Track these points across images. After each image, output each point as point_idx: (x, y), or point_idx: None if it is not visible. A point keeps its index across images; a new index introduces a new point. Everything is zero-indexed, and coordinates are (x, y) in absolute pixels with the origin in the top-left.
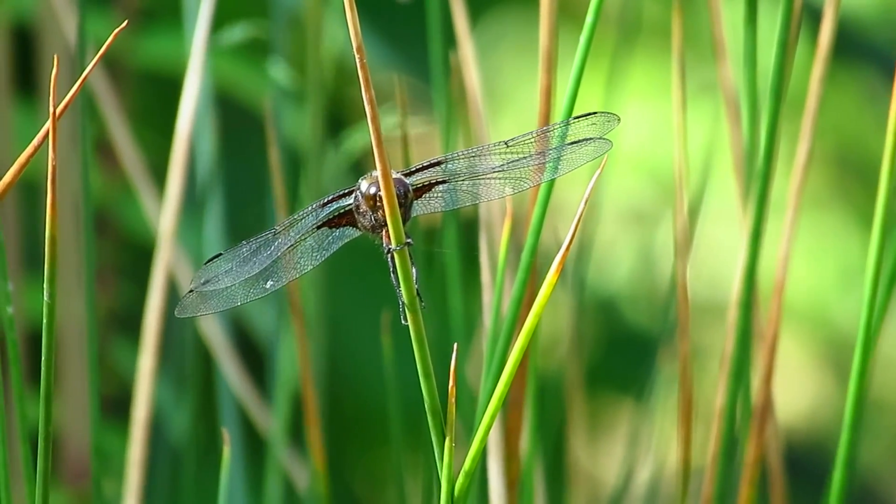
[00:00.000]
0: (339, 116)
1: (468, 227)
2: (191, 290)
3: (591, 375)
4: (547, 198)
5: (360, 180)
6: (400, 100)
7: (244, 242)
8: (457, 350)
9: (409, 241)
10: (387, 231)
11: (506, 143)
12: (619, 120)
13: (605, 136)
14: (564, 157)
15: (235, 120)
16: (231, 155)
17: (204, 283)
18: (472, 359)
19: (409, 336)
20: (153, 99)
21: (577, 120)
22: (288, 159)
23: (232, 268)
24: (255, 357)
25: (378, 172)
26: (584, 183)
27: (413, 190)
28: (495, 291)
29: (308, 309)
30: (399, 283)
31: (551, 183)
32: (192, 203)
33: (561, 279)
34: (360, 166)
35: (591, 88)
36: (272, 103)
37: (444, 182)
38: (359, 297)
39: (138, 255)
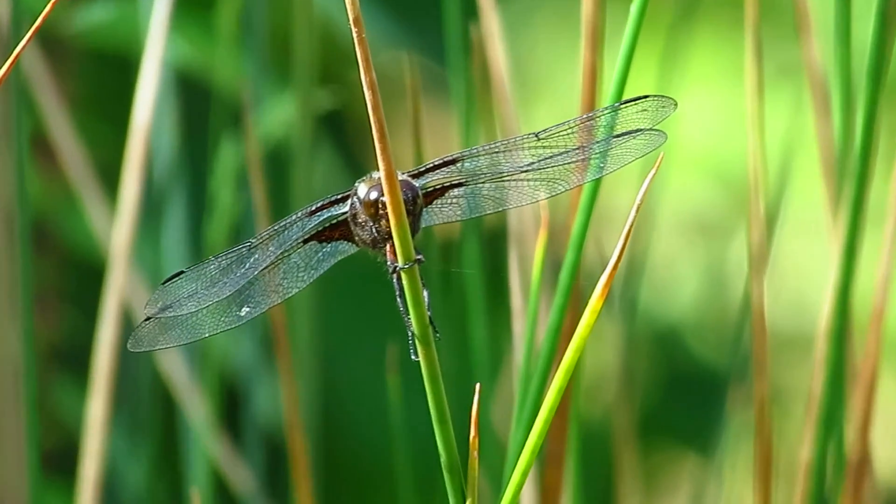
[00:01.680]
0: (335, 107)
1: (493, 241)
2: (147, 318)
3: (645, 423)
4: (590, 204)
5: (357, 183)
6: (409, 83)
7: (213, 258)
8: (480, 391)
9: (419, 257)
10: (392, 246)
11: (537, 136)
12: (675, 105)
13: (658, 127)
14: (610, 152)
15: (203, 109)
16: (198, 152)
17: (163, 309)
18: (499, 402)
19: (421, 374)
20: (102, 84)
21: (624, 106)
22: (270, 157)
23: (197, 290)
24: (228, 398)
25: (381, 173)
26: (635, 185)
27: (424, 194)
28: (528, 319)
29: (295, 341)
30: (407, 310)
31: (595, 185)
32: (151, 211)
33: (608, 304)
34: (358, 165)
35: (644, 70)
36: (250, 88)
37: (461, 184)
38: (358, 326)
39: (85, 276)
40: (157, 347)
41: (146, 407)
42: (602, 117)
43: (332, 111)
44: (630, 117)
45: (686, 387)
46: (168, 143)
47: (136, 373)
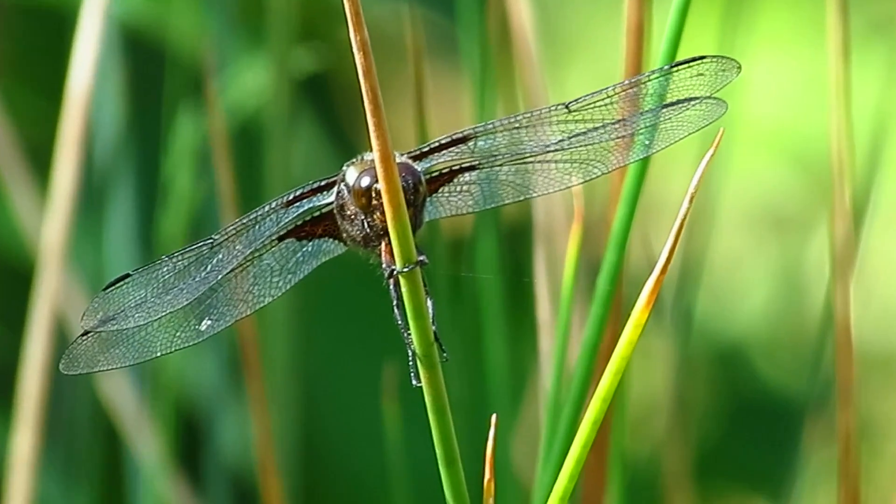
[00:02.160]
0: (318, 71)
1: (514, 238)
2: (85, 332)
3: (703, 463)
4: (635, 192)
5: (345, 166)
6: (411, 43)
7: (166, 258)
8: (496, 424)
9: (421, 259)
10: (388, 244)
11: (568, 107)
12: (739, 69)
13: (718, 95)
14: (659, 126)
15: (157, 74)
16: (150, 127)
17: (105, 321)
18: (522, 437)
19: (424, 403)
20: (31, 43)
21: (676, 69)
22: (238, 133)
23: (147, 297)
24: (186, 432)
25: (374, 154)
26: (689, 168)
27: (428, 181)
28: (558, 335)
29: (269, 361)
30: (408, 324)
31: (641, 168)
32: (91, 201)
33: (656, 316)
34: (347, 144)
35: (702, 26)
36: (214, 48)
37: (474, 168)
38: (346, 343)
39: (9, 280)
40: (97, 369)
41: (84, 441)
42: (649, 83)
43: (315, 76)
44: (684, 83)
45: (753, 418)
46: (112, 116)
47: (71, 400)
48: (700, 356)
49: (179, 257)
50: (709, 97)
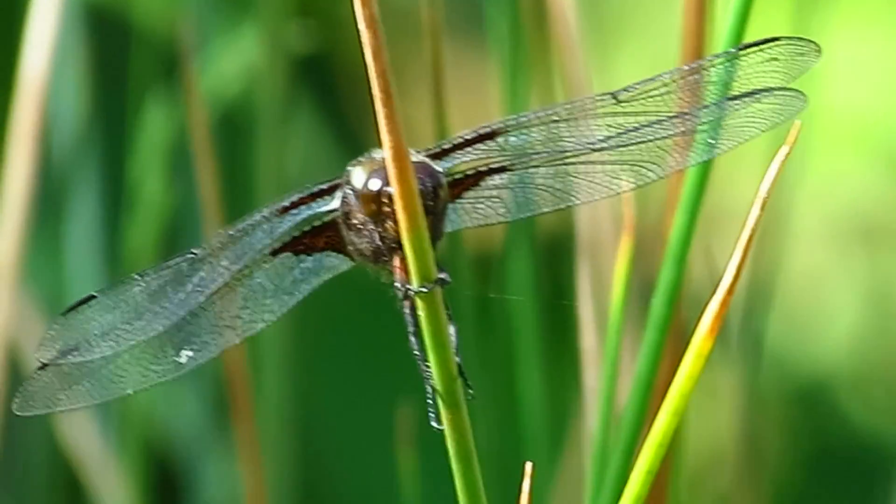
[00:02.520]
0: (318, 51)
1: (553, 253)
2: (43, 365)
3: None
4: (696, 198)
5: (350, 166)
6: (428, 18)
7: (137, 277)
8: (532, 474)
9: (442, 276)
10: (402, 259)
11: (615, 98)
12: (819, 53)
13: (794, 85)
14: (724, 121)
15: (126, 56)
16: (119, 119)
17: (65, 352)
18: (562, 489)
19: (445, 449)
20: None
21: (744, 53)
22: (222, 125)
23: (116, 324)
24: (162, 482)
25: (385, 152)
26: (759, 171)
27: (449, 184)
28: (605, 368)
29: (262, 399)
30: (426, 355)
31: (703, 171)
32: (49, 207)
33: (721, 345)
34: (353, 138)
35: (774, 2)
36: (192, 25)
37: (504, 169)
38: (353, 378)
39: None
40: (57, 409)
41: (41, 492)
42: (712, 69)
43: (314, 58)
44: (754, 70)
45: (838, 466)
46: (73, 107)
47: (26, 445)
48: (774, 393)
49: (154, 275)
50: (784, 88)
